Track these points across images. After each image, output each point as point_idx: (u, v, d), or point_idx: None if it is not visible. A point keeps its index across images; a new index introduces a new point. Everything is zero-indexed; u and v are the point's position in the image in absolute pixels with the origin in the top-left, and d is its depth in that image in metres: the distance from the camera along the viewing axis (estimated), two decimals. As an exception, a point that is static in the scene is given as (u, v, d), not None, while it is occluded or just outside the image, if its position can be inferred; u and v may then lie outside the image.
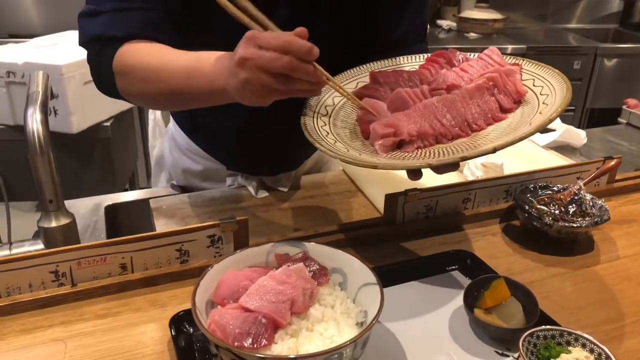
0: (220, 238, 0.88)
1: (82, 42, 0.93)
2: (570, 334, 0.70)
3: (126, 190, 2.38)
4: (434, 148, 0.80)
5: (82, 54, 0.95)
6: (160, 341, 0.75)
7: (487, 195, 1.09)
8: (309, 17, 0.98)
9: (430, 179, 0.88)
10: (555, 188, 1.06)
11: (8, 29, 2.73)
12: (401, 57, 1.01)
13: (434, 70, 0.93)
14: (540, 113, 0.78)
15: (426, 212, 1.03)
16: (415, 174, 0.77)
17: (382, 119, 0.83)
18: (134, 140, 2.63)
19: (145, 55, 0.87)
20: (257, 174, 1.21)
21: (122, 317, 0.80)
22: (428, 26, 1.18)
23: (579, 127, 1.76)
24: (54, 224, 0.89)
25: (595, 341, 0.69)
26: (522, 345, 0.68)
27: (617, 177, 1.21)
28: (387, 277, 0.82)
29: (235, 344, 0.63)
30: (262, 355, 0.62)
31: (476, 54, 0.95)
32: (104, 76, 0.92)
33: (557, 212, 1.00)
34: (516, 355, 0.73)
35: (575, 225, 0.96)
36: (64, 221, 0.90)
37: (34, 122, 0.84)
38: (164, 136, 1.37)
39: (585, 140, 1.56)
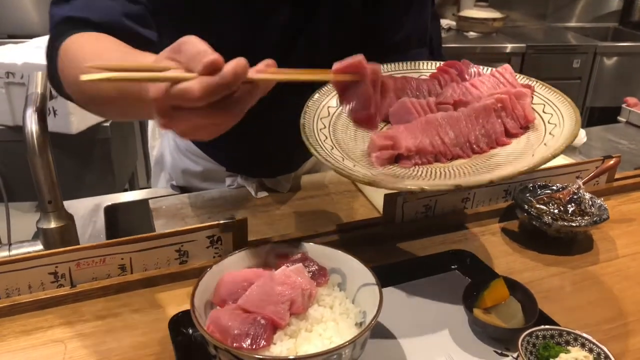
0: (220, 238, 0.88)
1: (50, 30, 0.81)
2: (569, 333, 0.70)
3: (126, 190, 2.37)
4: (432, 167, 0.78)
5: (82, 54, 0.94)
6: (160, 342, 0.75)
7: (487, 194, 1.09)
8: (310, 17, 0.98)
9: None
10: (554, 187, 1.06)
11: (7, 30, 2.73)
12: (414, 62, 0.98)
13: (444, 81, 0.91)
14: (545, 144, 0.76)
15: (425, 211, 1.03)
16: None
17: (381, 132, 0.80)
18: (133, 140, 2.62)
19: (98, 46, 0.72)
20: (256, 175, 1.21)
21: (121, 318, 0.80)
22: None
23: (578, 125, 1.75)
24: (53, 224, 0.89)
25: (595, 341, 0.69)
26: (522, 345, 0.68)
27: (616, 176, 1.20)
28: (386, 277, 0.82)
29: (234, 345, 0.63)
30: (260, 356, 0.62)
31: (489, 69, 0.93)
32: (50, 61, 0.79)
33: (556, 211, 1.00)
34: (515, 355, 0.73)
35: (574, 224, 0.96)
36: (63, 222, 0.90)
37: (33, 122, 0.84)
38: (163, 137, 1.37)
39: (584, 139, 1.56)
